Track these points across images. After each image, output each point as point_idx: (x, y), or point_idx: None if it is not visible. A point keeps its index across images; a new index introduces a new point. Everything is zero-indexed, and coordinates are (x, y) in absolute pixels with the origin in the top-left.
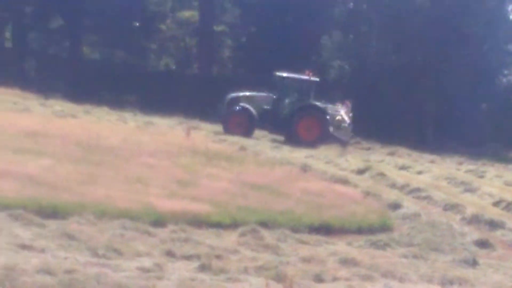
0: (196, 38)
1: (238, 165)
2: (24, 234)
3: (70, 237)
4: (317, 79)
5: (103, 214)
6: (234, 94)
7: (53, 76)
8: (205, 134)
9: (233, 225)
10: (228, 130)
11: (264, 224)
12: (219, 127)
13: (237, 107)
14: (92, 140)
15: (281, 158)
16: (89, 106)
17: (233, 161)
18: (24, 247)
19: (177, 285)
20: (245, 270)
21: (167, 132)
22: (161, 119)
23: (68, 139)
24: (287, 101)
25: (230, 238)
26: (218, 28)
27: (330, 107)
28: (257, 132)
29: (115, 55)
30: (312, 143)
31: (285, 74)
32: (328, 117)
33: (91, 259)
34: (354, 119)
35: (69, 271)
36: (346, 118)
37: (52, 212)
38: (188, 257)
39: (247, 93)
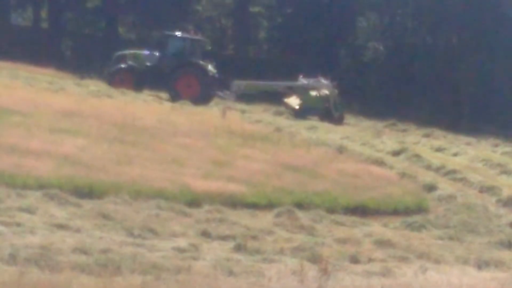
0: (232, 19)
1: (274, 146)
2: (60, 213)
3: (106, 217)
4: (201, 38)
5: (138, 194)
6: (120, 52)
7: (89, 56)
8: (240, 115)
9: (269, 206)
10: (113, 86)
11: (300, 205)
12: (254, 107)
13: (122, 65)
14: (128, 120)
15: (316, 139)
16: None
17: (269, 142)
18: (60, 226)
19: (212, 265)
20: (281, 251)
21: (203, 112)
22: None
23: (103, 119)
24: (172, 59)
25: (265, 219)
26: (254, 9)
27: (312, 82)
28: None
29: (151, 36)
30: (193, 100)
31: (171, 33)
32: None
33: (126, 239)
34: (339, 97)
35: (104, 251)
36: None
37: (87, 192)
38: (223, 238)
39: (133, 51)
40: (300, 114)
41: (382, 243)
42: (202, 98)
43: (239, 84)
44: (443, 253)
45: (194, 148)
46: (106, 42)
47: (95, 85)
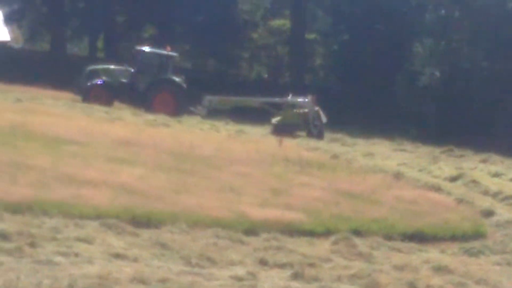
0: (288, 46)
1: (331, 173)
2: (118, 243)
3: (163, 246)
4: (175, 54)
5: (196, 223)
6: (92, 67)
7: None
8: (297, 142)
9: (326, 233)
10: (87, 102)
11: (357, 232)
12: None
13: (96, 81)
14: (185, 149)
15: (373, 166)
16: (182, 116)
17: (326, 169)
18: (117, 256)
19: None
20: (338, 278)
21: (259, 140)
22: (253, 127)
23: (160, 148)
24: (145, 74)
25: (323, 246)
26: (310, 36)
27: (299, 101)
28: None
29: (206, 64)
30: (170, 115)
31: (143, 48)
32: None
33: (184, 268)
34: (319, 114)
35: (162, 280)
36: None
37: (145, 221)
38: (281, 266)
39: (105, 66)
40: (278, 130)
41: (439, 270)
42: (177, 113)
43: (211, 99)
44: (501, 279)
45: (251, 176)
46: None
47: (151, 114)
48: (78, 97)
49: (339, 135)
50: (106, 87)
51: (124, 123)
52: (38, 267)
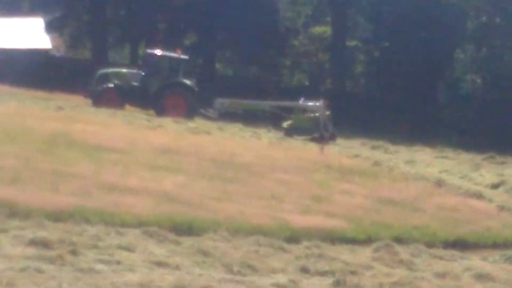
0: (329, 53)
1: (372, 180)
2: (159, 251)
3: (205, 253)
4: (187, 57)
5: (237, 230)
6: (103, 70)
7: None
8: (338, 150)
9: (368, 240)
10: (98, 106)
11: (399, 240)
12: (352, 142)
13: (108, 84)
14: (226, 157)
15: (415, 173)
16: (223, 123)
17: (367, 177)
18: (159, 264)
19: None
20: (380, 286)
21: (301, 148)
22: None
23: (202, 156)
24: (156, 78)
25: (364, 254)
26: (351, 43)
27: (310, 105)
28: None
29: (248, 71)
30: (182, 117)
31: (154, 51)
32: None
33: (226, 275)
34: (330, 118)
35: None
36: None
37: (186, 229)
38: (322, 273)
39: (116, 70)
40: (289, 133)
41: (481, 277)
42: (189, 116)
43: (222, 102)
44: None
45: (292, 183)
46: (203, 78)
47: (193, 121)
48: (89, 101)
49: (380, 142)
50: (117, 91)
51: (166, 130)
52: (79, 275)
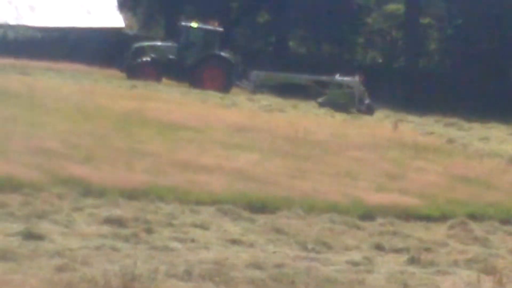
0: (402, 31)
1: (446, 157)
2: (234, 229)
3: (279, 231)
4: (221, 29)
5: (311, 208)
6: (138, 44)
7: (259, 70)
8: (412, 127)
9: (442, 217)
10: (136, 78)
11: (473, 217)
12: (425, 119)
13: (144, 58)
14: (300, 134)
15: (489, 150)
16: (296, 101)
17: (441, 154)
18: (233, 242)
19: (386, 278)
20: (455, 263)
21: (374, 125)
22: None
23: (275, 134)
24: (192, 50)
25: (439, 231)
26: (424, 20)
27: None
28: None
29: (321, 49)
30: (219, 90)
31: (190, 24)
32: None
33: (300, 253)
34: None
35: (278, 266)
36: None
37: (260, 207)
38: (397, 251)
39: (152, 43)
40: (323, 105)
41: None
42: (226, 89)
43: (258, 74)
44: None
45: (366, 161)
46: (277, 57)
47: (266, 100)
48: (123, 74)
49: (454, 120)
50: (154, 64)
51: (239, 108)
52: (154, 253)
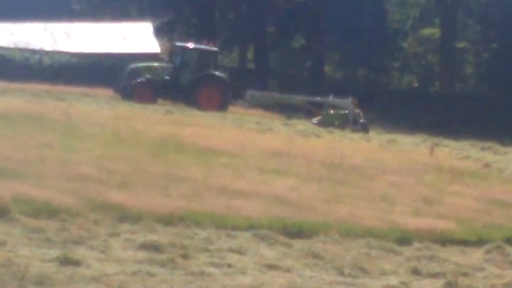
0: (438, 55)
1: (482, 182)
2: (270, 253)
3: (316, 256)
4: (217, 49)
5: (348, 232)
6: (134, 65)
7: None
8: (448, 152)
9: (478, 242)
10: (132, 100)
11: (510, 241)
12: (462, 144)
13: (140, 79)
14: (336, 159)
15: None
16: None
17: (478, 178)
18: (270, 266)
19: None
20: (492, 287)
21: (411, 150)
22: (404, 137)
23: (311, 159)
24: (187, 70)
25: (475, 255)
26: (460, 44)
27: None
28: None
29: (357, 74)
30: (215, 109)
31: (185, 44)
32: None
33: (337, 278)
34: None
35: None
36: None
37: (297, 232)
38: (434, 275)
39: (147, 64)
40: (318, 125)
41: None
42: (222, 108)
43: (253, 94)
44: None
45: (402, 185)
46: (312, 81)
47: (302, 124)
48: (118, 96)
49: (490, 144)
50: (149, 85)
51: (275, 133)
52: (191, 278)
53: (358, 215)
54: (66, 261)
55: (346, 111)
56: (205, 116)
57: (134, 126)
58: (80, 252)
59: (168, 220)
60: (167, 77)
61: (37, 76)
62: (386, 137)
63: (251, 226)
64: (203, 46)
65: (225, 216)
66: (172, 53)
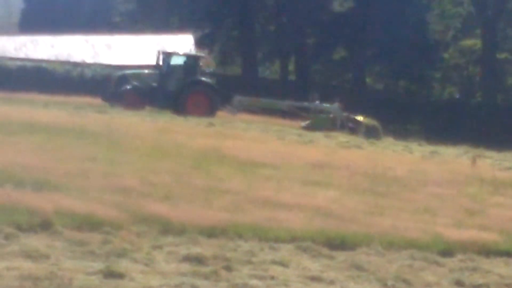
0: (479, 66)
1: None
2: (313, 265)
3: (359, 268)
4: (203, 55)
5: (390, 244)
6: (121, 73)
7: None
8: (491, 163)
9: None
10: (119, 107)
11: None
12: (504, 155)
13: (128, 86)
14: (378, 171)
15: None
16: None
17: None
18: (313, 278)
19: None
20: None
21: (453, 161)
22: (446, 148)
23: (354, 170)
24: (173, 77)
25: None
26: (501, 55)
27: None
28: None
29: (398, 85)
30: (203, 115)
31: (170, 51)
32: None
33: None
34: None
35: None
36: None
37: (339, 244)
38: (477, 286)
39: (135, 71)
40: (307, 129)
41: None
42: (210, 114)
43: (240, 99)
44: None
45: (445, 197)
46: (354, 93)
47: (344, 136)
48: (106, 104)
49: None
50: (137, 92)
51: (316, 145)
52: None
53: (401, 227)
54: (109, 274)
55: (331, 116)
56: (246, 128)
57: (176, 138)
58: (123, 264)
59: (211, 232)
60: (154, 84)
61: (78, 89)
62: (428, 148)
63: (294, 238)
64: (188, 52)
65: (268, 228)
66: (159, 60)
